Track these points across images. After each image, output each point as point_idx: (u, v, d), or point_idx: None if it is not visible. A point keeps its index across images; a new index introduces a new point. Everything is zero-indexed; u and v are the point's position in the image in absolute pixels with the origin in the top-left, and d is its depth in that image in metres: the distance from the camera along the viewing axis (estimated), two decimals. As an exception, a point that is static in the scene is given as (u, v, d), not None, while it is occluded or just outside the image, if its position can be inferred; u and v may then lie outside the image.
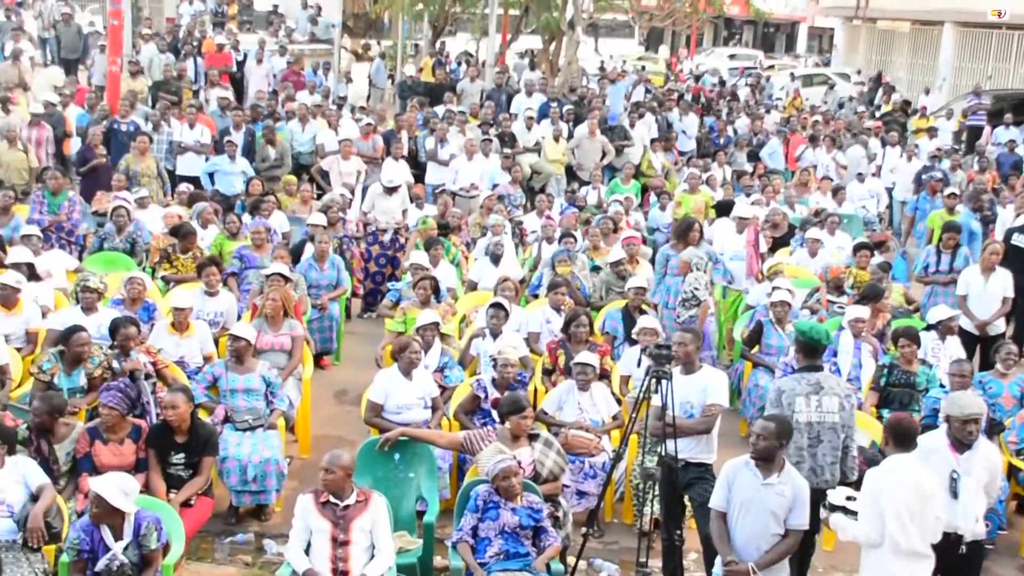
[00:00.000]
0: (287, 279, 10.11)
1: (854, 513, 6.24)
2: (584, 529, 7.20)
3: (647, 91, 24.53)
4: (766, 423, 6.29)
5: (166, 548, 6.47)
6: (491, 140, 16.57)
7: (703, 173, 16.27)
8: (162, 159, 15.16)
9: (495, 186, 15.49)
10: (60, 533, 6.61)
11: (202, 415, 7.99)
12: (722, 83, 31.34)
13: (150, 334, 9.22)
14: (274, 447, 8.17)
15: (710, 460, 7.28)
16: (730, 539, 6.31)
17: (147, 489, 7.15)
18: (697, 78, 33.76)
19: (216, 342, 9.60)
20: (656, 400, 6.80)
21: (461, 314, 10.93)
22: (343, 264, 11.81)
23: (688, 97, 25.28)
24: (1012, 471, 8.54)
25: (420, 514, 7.56)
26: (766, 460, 6.23)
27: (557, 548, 6.82)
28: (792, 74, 33.85)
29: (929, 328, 10.07)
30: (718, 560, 6.35)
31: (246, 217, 12.72)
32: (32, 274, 10.01)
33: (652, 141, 18.61)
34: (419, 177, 16.16)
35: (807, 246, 12.67)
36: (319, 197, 14.60)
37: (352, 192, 14.82)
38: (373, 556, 6.46)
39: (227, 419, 8.34)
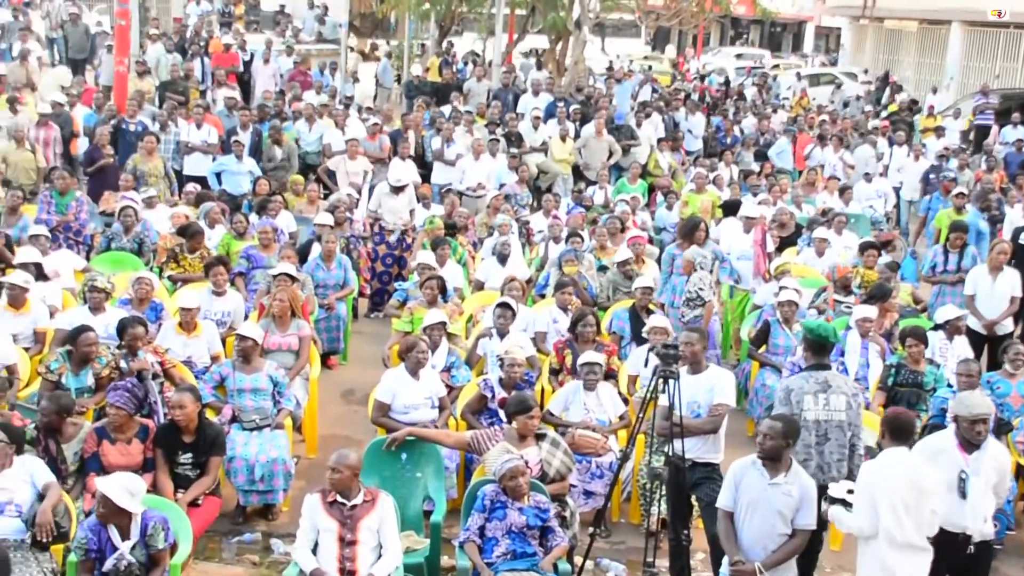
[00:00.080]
0: (294, 279, 10.12)
1: (853, 506, 6.27)
2: (591, 529, 7.21)
3: (654, 91, 24.50)
4: (773, 423, 6.30)
5: (173, 548, 6.47)
6: (498, 140, 16.57)
7: (710, 173, 16.24)
8: (169, 159, 15.17)
9: (502, 186, 15.48)
10: (68, 532, 6.62)
11: (209, 415, 7.99)
12: (727, 83, 31.29)
13: (157, 334, 9.24)
14: (281, 447, 8.19)
15: (717, 460, 7.28)
16: (737, 539, 6.32)
17: (154, 489, 7.16)
18: (703, 77, 33.72)
19: (223, 342, 9.62)
20: (663, 400, 6.80)
21: (468, 314, 10.93)
22: (350, 264, 11.81)
23: (695, 97, 25.25)
24: (1021, 471, 8.52)
25: (427, 514, 7.56)
26: (773, 460, 6.24)
27: (564, 548, 6.81)
28: (798, 73, 33.79)
29: (937, 328, 10.05)
30: (725, 560, 6.36)
31: (253, 217, 12.73)
32: (40, 274, 10.04)
33: (659, 141, 18.58)
34: (425, 177, 16.17)
35: (814, 246, 12.66)
36: (326, 197, 14.60)
37: (359, 192, 14.82)
38: (380, 556, 6.47)
39: (234, 419, 8.35)
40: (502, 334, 9.51)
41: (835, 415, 6.90)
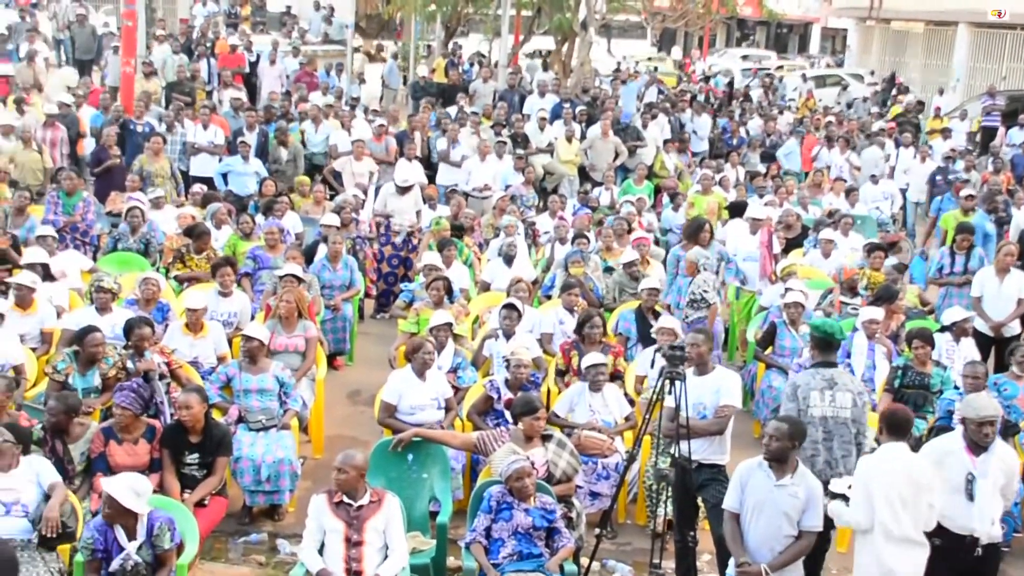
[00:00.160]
0: (300, 280, 10.13)
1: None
2: (597, 530, 7.20)
3: (660, 92, 24.50)
4: (779, 424, 6.30)
5: (180, 548, 6.48)
6: (505, 142, 16.58)
7: (716, 174, 16.25)
8: (175, 160, 15.21)
9: (508, 187, 15.49)
10: (74, 532, 6.63)
11: (216, 415, 8.01)
12: (731, 84, 31.27)
13: (164, 334, 9.25)
14: (287, 447, 8.19)
15: (723, 461, 7.28)
16: (743, 540, 6.31)
17: (161, 489, 7.17)
18: (707, 79, 33.69)
19: (230, 342, 9.63)
20: (669, 401, 6.79)
21: (474, 315, 10.94)
22: (356, 265, 11.82)
23: (700, 98, 25.25)
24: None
25: (433, 515, 7.57)
26: (779, 461, 6.24)
27: (570, 549, 6.81)
28: (804, 75, 33.76)
29: (943, 329, 10.03)
30: (731, 561, 6.35)
31: (259, 218, 12.75)
32: (47, 274, 10.06)
33: (665, 142, 18.59)
34: (431, 178, 16.18)
35: (820, 247, 12.65)
36: (331, 198, 14.63)
37: (365, 193, 14.84)
38: (386, 556, 6.47)
39: (241, 419, 8.36)
40: (508, 335, 9.51)
41: (841, 412, 6.96)
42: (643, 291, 10.36)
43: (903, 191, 17.98)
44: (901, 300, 10.91)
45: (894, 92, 31.06)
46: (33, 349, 9.14)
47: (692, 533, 7.15)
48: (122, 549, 6.20)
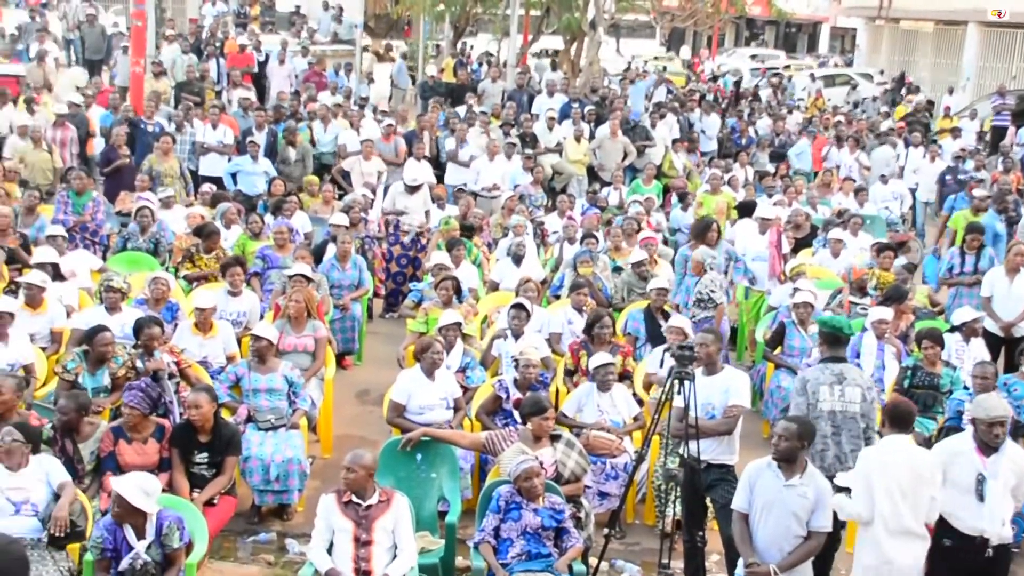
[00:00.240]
0: (309, 280, 10.14)
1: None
2: (606, 530, 7.20)
3: (668, 91, 24.47)
4: (788, 424, 6.29)
5: (189, 547, 6.49)
6: (515, 144, 16.57)
7: (725, 174, 16.23)
8: (185, 159, 15.23)
9: (516, 187, 15.49)
10: (84, 531, 6.65)
11: (225, 415, 8.02)
12: (737, 84, 31.25)
13: (173, 334, 9.27)
14: (296, 447, 8.20)
15: (732, 461, 7.27)
16: (752, 541, 6.30)
17: (170, 488, 7.19)
18: (715, 78, 33.64)
19: (239, 342, 9.64)
20: (678, 401, 6.79)
21: (483, 315, 10.93)
22: (365, 264, 11.82)
23: (709, 97, 25.23)
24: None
25: (442, 514, 7.56)
26: (788, 461, 6.23)
27: (579, 549, 6.80)
28: (812, 74, 33.70)
29: (953, 329, 10.01)
30: (740, 562, 6.34)
31: (268, 217, 12.77)
32: (57, 274, 10.07)
33: (674, 142, 18.56)
34: (439, 178, 16.19)
35: (830, 247, 12.62)
36: (340, 197, 14.64)
37: (374, 192, 14.85)
38: (395, 556, 6.47)
39: (250, 419, 8.38)
40: (517, 335, 9.51)
41: (850, 406, 7.02)
42: (652, 291, 10.35)
43: (912, 191, 17.93)
44: (911, 300, 10.89)
45: (904, 92, 30.94)
46: (43, 348, 9.16)
47: (701, 533, 7.14)
48: (131, 548, 6.21)
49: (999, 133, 23.71)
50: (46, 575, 6.34)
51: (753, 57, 42.57)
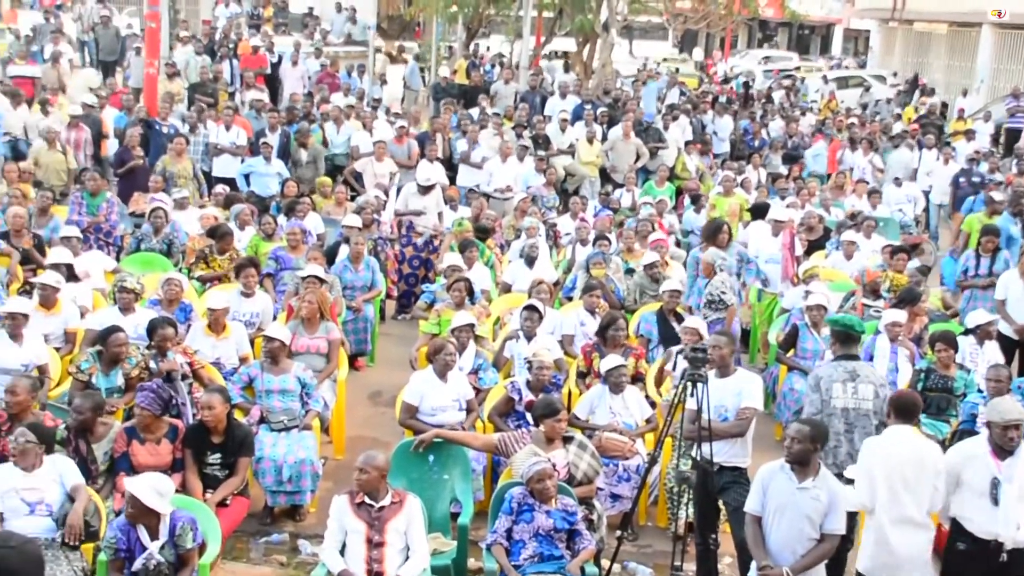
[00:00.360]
0: (322, 281, 10.15)
1: None
2: (618, 532, 7.19)
3: (681, 93, 24.45)
4: (801, 426, 6.28)
5: (202, 548, 6.50)
6: (527, 146, 16.57)
7: (738, 176, 16.21)
8: (198, 160, 15.26)
9: (529, 188, 15.49)
10: (98, 532, 6.67)
11: (238, 416, 8.03)
12: (747, 86, 31.20)
13: (187, 335, 9.29)
14: (309, 448, 8.21)
15: (745, 464, 7.26)
16: (765, 543, 6.28)
17: (183, 489, 7.20)
18: (726, 80, 33.59)
19: (252, 343, 9.66)
20: (691, 403, 6.78)
21: (495, 316, 10.93)
22: (377, 266, 11.83)
23: (722, 99, 25.19)
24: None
25: (454, 516, 7.57)
26: (801, 464, 6.21)
27: (591, 551, 6.80)
28: (824, 76, 33.62)
29: (967, 332, 9.97)
30: (753, 565, 6.32)
31: (281, 218, 12.79)
32: (71, 275, 10.11)
33: (687, 143, 18.55)
34: (452, 179, 16.19)
35: (843, 249, 12.60)
36: (353, 199, 14.65)
37: (386, 193, 14.87)
38: (407, 558, 6.47)
39: (262, 420, 8.39)
40: (529, 337, 9.50)
41: (863, 404, 7.05)
42: (664, 293, 10.34)
43: (926, 193, 17.87)
44: (924, 303, 10.85)
45: (918, 94, 30.84)
46: (57, 349, 9.19)
47: (713, 536, 7.14)
48: (144, 549, 6.22)
49: (1013, 135, 23.62)
50: (60, 575, 6.36)
51: (766, 59, 42.49)
